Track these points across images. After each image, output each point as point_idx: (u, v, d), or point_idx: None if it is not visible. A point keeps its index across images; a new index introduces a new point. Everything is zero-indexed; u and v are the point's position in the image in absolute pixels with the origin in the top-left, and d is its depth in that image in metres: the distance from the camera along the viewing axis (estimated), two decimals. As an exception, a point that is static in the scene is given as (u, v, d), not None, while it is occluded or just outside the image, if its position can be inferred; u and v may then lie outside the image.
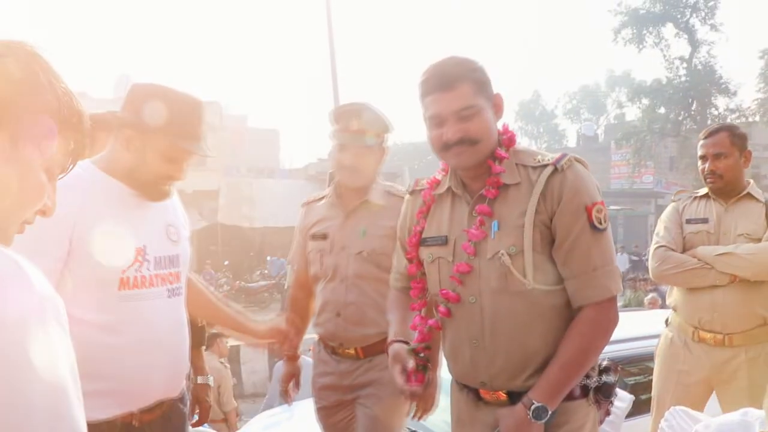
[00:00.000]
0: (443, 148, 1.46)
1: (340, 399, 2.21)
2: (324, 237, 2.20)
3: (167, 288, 1.62)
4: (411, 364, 1.51)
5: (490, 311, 1.46)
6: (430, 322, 1.59)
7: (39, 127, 0.74)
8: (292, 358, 2.34)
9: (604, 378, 1.52)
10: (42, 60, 0.76)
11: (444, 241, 1.54)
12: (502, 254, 1.42)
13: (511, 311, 1.44)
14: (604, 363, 1.56)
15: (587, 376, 1.49)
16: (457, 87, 1.41)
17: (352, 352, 2.16)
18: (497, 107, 1.49)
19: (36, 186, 0.75)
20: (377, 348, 2.09)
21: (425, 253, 1.59)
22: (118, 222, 1.55)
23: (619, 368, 1.59)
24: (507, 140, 1.51)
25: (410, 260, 1.65)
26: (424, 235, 1.59)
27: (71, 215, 1.44)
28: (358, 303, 2.11)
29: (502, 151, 1.48)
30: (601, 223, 1.41)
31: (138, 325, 1.54)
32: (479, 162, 1.47)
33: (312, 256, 2.23)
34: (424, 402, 2.06)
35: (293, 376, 2.35)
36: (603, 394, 1.52)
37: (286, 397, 2.40)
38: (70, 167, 0.82)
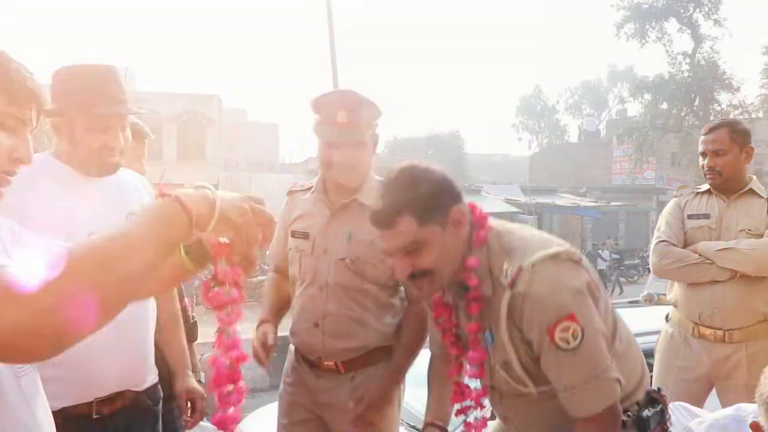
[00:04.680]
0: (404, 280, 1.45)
1: (308, 416, 1.99)
2: (305, 236, 1.97)
3: None
4: None
5: (507, 404, 1.53)
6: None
7: None
8: (269, 322, 2.01)
9: (644, 411, 1.46)
10: None
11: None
12: (498, 369, 1.44)
13: (525, 409, 1.50)
14: (652, 392, 1.52)
15: (625, 410, 1.43)
16: (398, 223, 1.32)
17: (332, 365, 1.93)
18: (456, 222, 1.37)
19: None
20: (360, 362, 1.92)
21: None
22: (70, 209, 1.55)
23: (665, 399, 1.55)
24: (476, 241, 1.40)
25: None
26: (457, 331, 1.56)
27: (17, 202, 1.41)
28: (338, 314, 1.90)
29: (473, 258, 1.38)
30: (568, 342, 1.29)
31: None
32: (444, 285, 1.44)
33: (291, 255, 2.00)
34: None
35: (266, 336, 1.96)
36: (638, 429, 1.45)
37: (261, 362, 1.95)
38: (33, 118, 0.94)
